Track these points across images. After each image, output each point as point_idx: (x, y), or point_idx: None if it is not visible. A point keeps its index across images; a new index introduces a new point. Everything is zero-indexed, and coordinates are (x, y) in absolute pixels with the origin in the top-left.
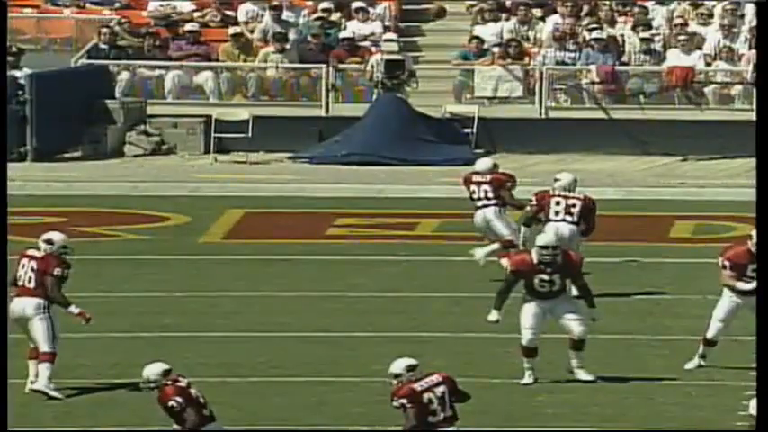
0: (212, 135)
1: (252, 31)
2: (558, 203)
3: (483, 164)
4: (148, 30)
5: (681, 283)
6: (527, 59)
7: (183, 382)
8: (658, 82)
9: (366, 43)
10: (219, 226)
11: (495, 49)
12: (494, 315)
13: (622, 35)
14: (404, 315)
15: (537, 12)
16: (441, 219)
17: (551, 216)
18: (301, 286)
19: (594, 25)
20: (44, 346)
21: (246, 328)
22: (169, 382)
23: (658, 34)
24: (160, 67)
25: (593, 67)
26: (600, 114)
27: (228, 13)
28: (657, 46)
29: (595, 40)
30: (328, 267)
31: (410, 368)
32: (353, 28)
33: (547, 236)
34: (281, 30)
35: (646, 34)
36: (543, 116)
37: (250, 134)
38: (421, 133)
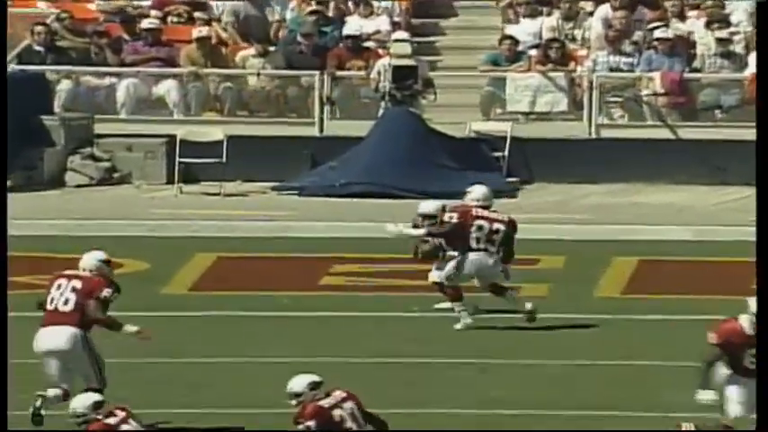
0: (177, 160)
1: (225, 30)
2: (480, 228)
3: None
4: (96, 28)
5: None
6: (573, 65)
7: (115, 419)
8: (738, 93)
9: (371, 44)
10: (186, 274)
11: (533, 52)
12: (706, 395)
13: (693, 34)
14: (415, 388)
15: (585, 5)
16: None
17: (472, 244)
18: (287, 350)
19: (658, 22)
20: (92, 382)
21: (216, 404)
22: (99, 417)
23: (738, 33)
24: (111, 75)
25: (656, 75)
26: (665, 133)
27: (198, 6)
28: (738, 48)
29: (659, 40)
30: (322, 326)
31: (313, 386)
32: (355, 25)
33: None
34: (263, 27)
35: (723, 33)
36: (593, 136)
37: (224, 159)
38: (439, 157)
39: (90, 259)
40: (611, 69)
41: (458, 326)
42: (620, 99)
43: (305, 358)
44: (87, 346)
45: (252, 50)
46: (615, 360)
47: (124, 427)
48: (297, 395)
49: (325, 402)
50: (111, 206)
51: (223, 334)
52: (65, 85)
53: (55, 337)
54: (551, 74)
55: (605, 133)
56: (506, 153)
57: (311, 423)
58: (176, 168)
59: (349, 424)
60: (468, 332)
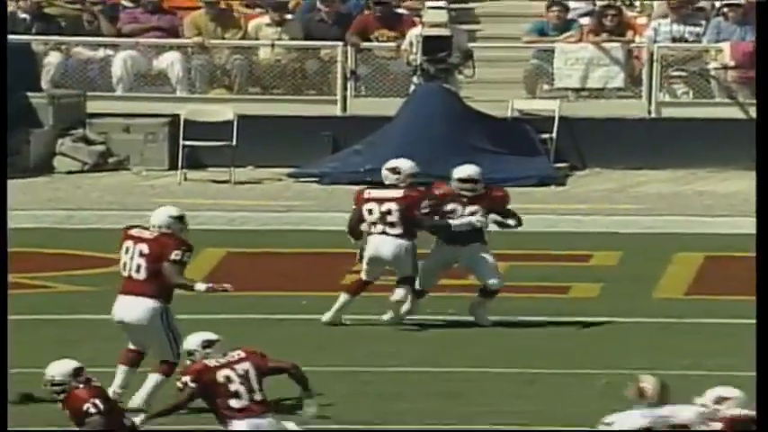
0: (181, 143)
1: None
2: (370, 211)
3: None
4: None
5: None
6: (630, 34)
7: (99, 383)
8: None
9: (401, 11)
10: (191, 271)
11: (585, 21)
12: None
13: None
14: (453, 399)
15: None
16: (508, 262)
17: (366, 228)
18: (307, 358)
19: None
20: (167, 355)
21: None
22: (81, 384)
23: None
24: (106, 46)
25: (725, 46)
26: (735, 112)
27: None
28: None
29: (729, 6)
30: (345, 331)
31: (207, 344)
32: None
33: None
34: None
35: None
36: (653, 115)
37: (234, 142)
38: (477, 140)
39: (160, 215)
40: (674, 40)
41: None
42: (683, 73)
43: (327, 367)
44: (166, 321)
45: (266, 18)
46: (676, 370)
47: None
48: (190, 354)
49: (213, 362)
50: (106, 195)
51: (231, 339)
52: (53, 58)
53: (132, 310)
54: (606, 45)
55: (667, 112)
56: (554, 135)
57: (187, 379)
58: (180, 152)
59: (235, 386)
60: (512, 338)
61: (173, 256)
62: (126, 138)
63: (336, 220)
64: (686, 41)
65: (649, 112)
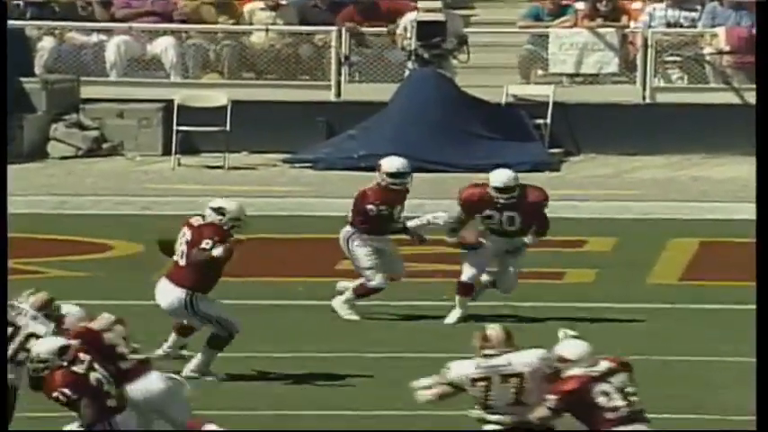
0: (174, 128)
1: None
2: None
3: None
4: None
5: None
6: (625, 20)
7: (81, 366)
8: None
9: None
10: None
11: (580, 5)
12: None
13: None
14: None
15: None
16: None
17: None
18: (301, 345)
19: None
20: (216, 332)
21: (223, 406)
22: (64, 364)
23: None
24: (99, 31)
25: (720, 31)
26: (730, 98)
27: None
28: None
29: None
30: (340, 318)
31: (61, 351)
32: None
33: None
34: None
35: None
36: (648, 101)
37: (228, 127)
38: (472, 126)
39: (208, 206)
40: (669, 25)
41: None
42: (678, 59)
43: (321, 353)
44: (191, 308)
45: (260, 3)
46: (671, 356)
47: (92, 375)
48: (43, 362)
49: (79, 368)
50: (100, 181)
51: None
52: (47, 43)
53: (163, 296)
54: (600, 30)
55: (662, 98)
56: (548, 120)
57: (66, 390)
58: (174, 138)
59: (107, 387)
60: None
61: (203, 245)
62: (120, 123)
63: (331, 205)
64: (681, 26)
65: (644, 98)
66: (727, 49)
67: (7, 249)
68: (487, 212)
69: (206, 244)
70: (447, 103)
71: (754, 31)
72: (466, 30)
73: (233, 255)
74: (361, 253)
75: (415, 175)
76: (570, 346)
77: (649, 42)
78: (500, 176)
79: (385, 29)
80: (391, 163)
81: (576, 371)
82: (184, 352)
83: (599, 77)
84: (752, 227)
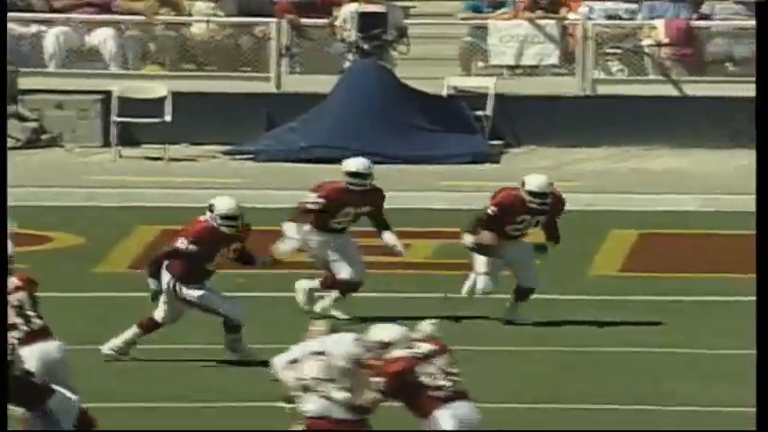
0: (114, 120)
1: None
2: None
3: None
4: None
5: None
6: (565, 11)
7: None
8: (753, 43)
9: None
10: (125, 250)
11: None
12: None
13: None
14: None
15: None
16: (440, 240)
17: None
18: (244, 338)
19: None
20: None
21: (156, 396)
22: None
23: None
24: (38, 22)
25: (659, 23)
26: (669, 90)
27: None
28: None
29: None
30: (281, 309)
31: None
32: None
33: None
34: None
35: None
36: (588, 93)
37: (169, 118)
38: (413, 117)
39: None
40: (609, 17)
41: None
42: (618, 51)
43: (265, 344)
44: (175, 294)
45: None
46: (611, 347)
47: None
48: None
49: None
50: (39, 172)
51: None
52: None
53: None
54: (540, 22)
55: (601, 90)
56: (489, 112)
57: None
58: (113, 129)
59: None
60: (440, 313)
61: (177, 243)
62: (59, 114)
63: (271, 197)
64: (621, 19)
65: (584, 90)
66: (666, 41)
67: (7, 249)
68: (521, 217)
69: (181, 243)
70: (387, 95)
71: (692, 23)
72: (406, 21)
73: (216, 251)
74: (315, 247)
75: None
76: (385, 329)
77: (589, 34)
78: (537, 181)
79: (325, 20)
80: (351, 162)
81: (399, 352)
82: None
83: (539, 69)
84: (691, 218)
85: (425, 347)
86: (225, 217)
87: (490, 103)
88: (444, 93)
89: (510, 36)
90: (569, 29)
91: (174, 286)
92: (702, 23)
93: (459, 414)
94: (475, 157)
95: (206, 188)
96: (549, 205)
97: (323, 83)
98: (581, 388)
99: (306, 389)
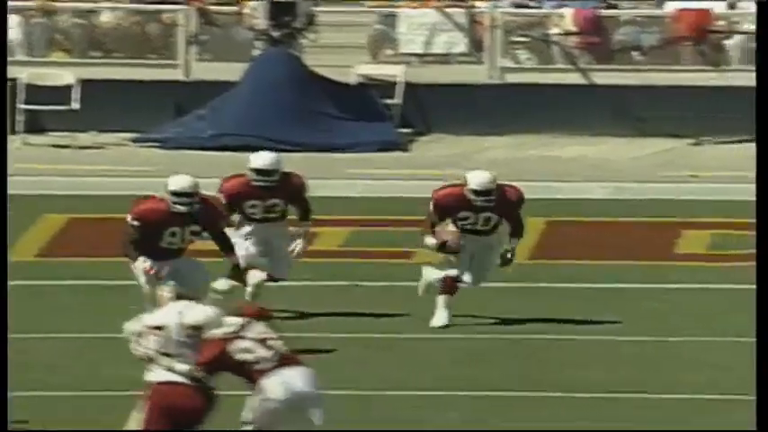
0: (20, 107)
1: None
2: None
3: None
4: None
5: (693, 320)
6: (473, 0)
7: None
8: (660, 32)
9: None
10: (32, 238)
11: None
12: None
13: None
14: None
15: None
16: (351, 227)
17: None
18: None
19: None
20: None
21: (73, 386)
22: None
23: None
24: None
25: (567, 12)
26: (577, 78)
27: None
28: None
29: None
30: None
31: None
32: None
33: None
34: None
35: None
36: (496, 81)
37: (77, 105)
38: (322, 105)
39: None
40: (517, 5)
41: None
42: (526, 39)
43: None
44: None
45: None
46: (518, 334)
47: None
48: None
49: None
50: None
51: (76, 306)
52: None
53: None
54: (449, 10)
55: (510, 78)
56: (398, 100)
57: None
58: (20, 117)
59: None
60: (361, 304)
61: (129, 219)
62: None
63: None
64: (528, 7)
65: (492, 78)
66: (574, 29)
67: (7, 249)
68: (463, 214)
69: (131, 220)
70: (296, 83)
71: (599, 12)
72: (315, 9)
73: (162, 230)
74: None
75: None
76: (194, 311)
77: (497, 23)
78: (478, 178)
79: (234, 8)
80: (256, 158)
81: (209, 335)
82: None
83: (448, 57)
84: (598, 206)
85: (236, 322)
86: (174, 194)
87: (399, 92)
88: (353, 81)
89: (419, 24)
90: (477, 17)
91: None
92: (610, 12)
93: (287, 381)
94: (384, 146)
95: (114, 176)
96: (496, 201)
97: (232, 71)
98: (488, 375)
99: (150, 359)
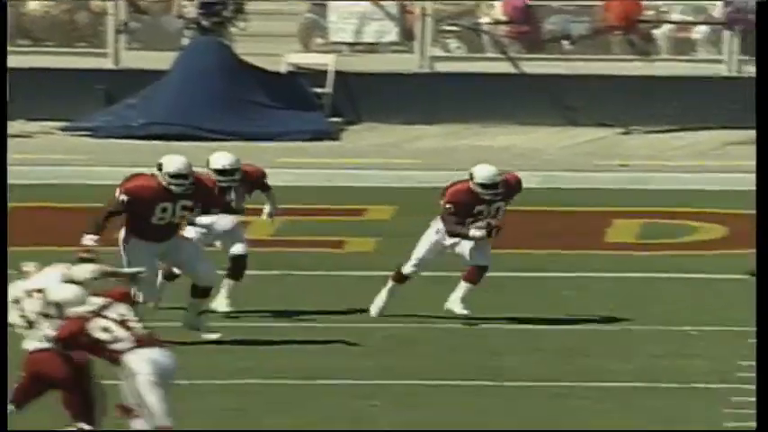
0: None
1: None
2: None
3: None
4: None
5: (624, 308)
6: None
7: None
8: (589, 21)
9: None
10: None
11: None
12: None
13: None
14: (230, 355)
15: None
16: (280, 216)
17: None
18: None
19: None
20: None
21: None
22: None
23: None
24: None
25: (496, 2)
26: (507, 67)
27: None
28: None
29: None
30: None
31: None
32: None
33: None
34: None
35: None
36: (427, 70)
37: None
38: (252, 94)
39: None
40: None
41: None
42: (456, 28)
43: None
44: (123, 246)
45: None
46: (454, 323)
47: None
48: None
49: None
50: None
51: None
52: None
53: None
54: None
55: (440, 67)
56: (329, 89)
57: None
58: None
59: None
60: (292, 292)
61: (118, 196)
62: None
63: (110, 174)
64: None
65: (423, 67)
66: (504, 18)
67: (7, 248)
68: (478, 208)
69: (121, 197)
70: (226, 72)
71: (529, 1)
72: None
73: (153, 207)
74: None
75: (192, 143)
76: (59, 289)
77: (427, 12)
78: (485, 172)
79: None
80: (217, 159)
81: (71, 312)
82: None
83: (378, 46)
84: (530, 195)
85: (98, 301)
86: (171, 176)
87: (330, 81)
88: (284, 70)
89: (349, 13)
90: (408, 6)
91: (127, 243)
92: (539, 2)
93: (149, 356)
94: (314, 135)
95: (43, 165)
96: (503, 193)
97: (161, 59)
98: (413, 363)
99: (29, 325)
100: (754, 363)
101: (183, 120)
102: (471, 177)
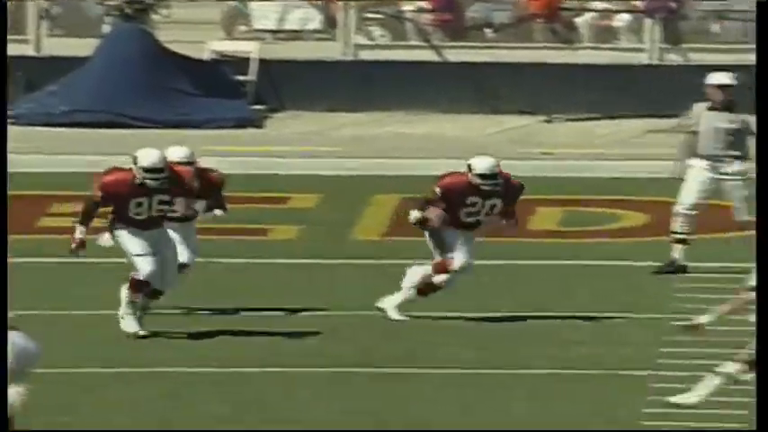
0: None
1: None
2: None
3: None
4: None
5: (546, 297)
6: None
7: None
8: (511, 10)
9: None
10: None
11: None
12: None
13: None
14: (168, 348)
15: None
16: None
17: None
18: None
19: None
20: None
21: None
22: None
23: None
24: None
25: None
26: (430, 55)
27: None
28: None
29: None
30: (42, 275)
31: None
32: None
33: None
34: None
35: None
36: (350, 57)
37: None
38: (175, 82)
39: None
40: None
41: None
42: (380, 16)
43: (26, 311)
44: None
45: None
46: (370, 311)
47: None
48: None
49: None
50: None
51: None
52: None
53: None
54: None
55: (364, 55)
56: (252, 77)
57: None
58: None
59: None
60: (227, 279)
61: (95, 189)
62: None
63: (32, 161)
64: None
65: (345, 55)
66: (427, 6)
67: (7, 249)
68: (471, 200)
69: (96, 192)
70: (149, 59)
71: None
72: None
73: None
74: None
75: (114, 131)
76: None
77: None
78: (484, 163)
79: None
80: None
81: None
82: None
83: (302, 34)
84: None
85: None
86: (146, 170)
87: (253, 68)
88: (207, 57)
89: (272, 1)
90: None
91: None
92: None
93: (15, 341)
94: (238, 122)
95: None
96: (504, 188)
97: (83, 46)
98: (343, 350)
99: None
100: (674, 350)
101: (107, 107)
102: (470, 169)
